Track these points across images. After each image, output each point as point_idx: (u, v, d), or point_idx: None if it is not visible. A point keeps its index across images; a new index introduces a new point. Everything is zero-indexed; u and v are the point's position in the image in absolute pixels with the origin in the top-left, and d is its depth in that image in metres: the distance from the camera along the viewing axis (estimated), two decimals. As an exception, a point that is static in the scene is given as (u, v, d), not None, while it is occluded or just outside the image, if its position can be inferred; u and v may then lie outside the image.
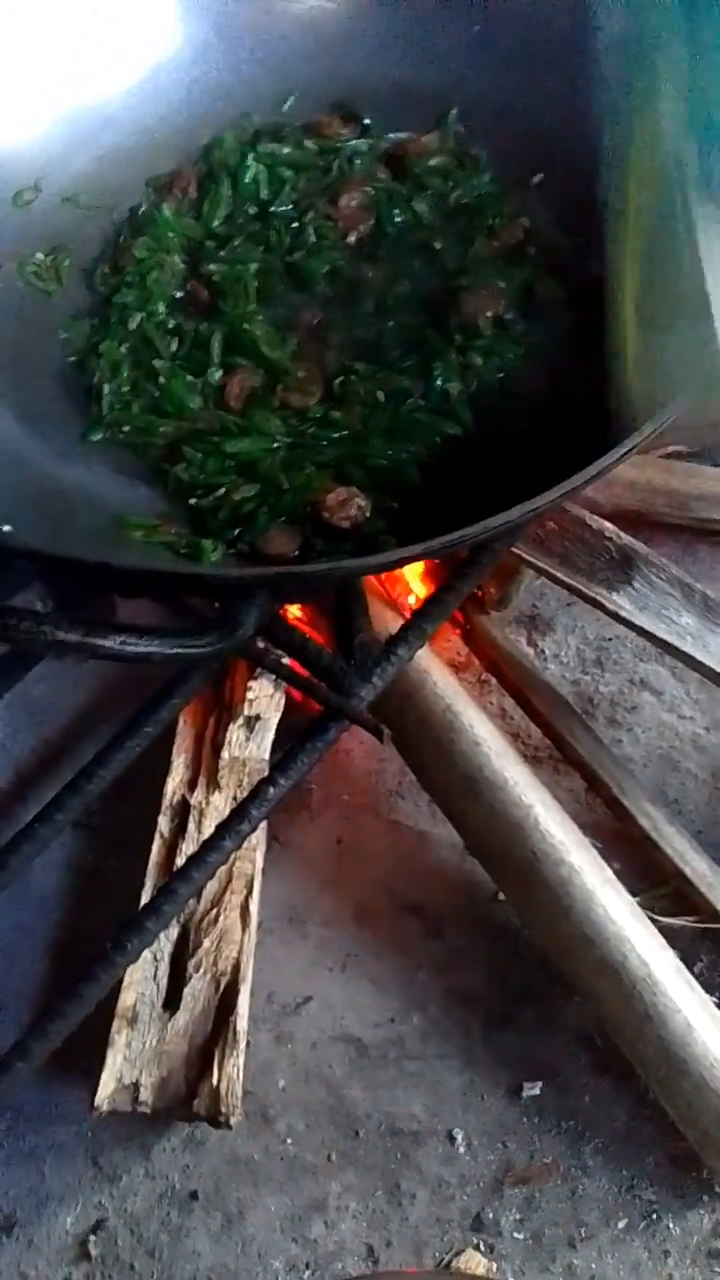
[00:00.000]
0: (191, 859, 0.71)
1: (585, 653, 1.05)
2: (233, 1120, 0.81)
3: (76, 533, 0.71)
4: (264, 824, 0.92)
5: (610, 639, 1.05)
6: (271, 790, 0.71)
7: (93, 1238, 0.84)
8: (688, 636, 0.93)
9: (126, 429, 0.82)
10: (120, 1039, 0.82)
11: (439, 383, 0.80)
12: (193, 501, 0.76)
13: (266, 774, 0.73)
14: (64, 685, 1.04)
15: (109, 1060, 0.82)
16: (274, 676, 0.92)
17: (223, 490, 0.77)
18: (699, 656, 0.92)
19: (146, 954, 0.84)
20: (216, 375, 0.83)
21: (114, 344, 0.85)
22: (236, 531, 0.74)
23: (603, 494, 1.03)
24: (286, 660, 0.75)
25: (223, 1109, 0.80)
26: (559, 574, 0.95)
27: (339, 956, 0.93)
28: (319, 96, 0.94)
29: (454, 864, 0.95)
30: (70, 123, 0.91)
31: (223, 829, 0.71)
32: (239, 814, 0.71)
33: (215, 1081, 0.80)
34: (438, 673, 0.93)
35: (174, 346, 0.85)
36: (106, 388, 0.83)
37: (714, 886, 0.90)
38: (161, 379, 0.83)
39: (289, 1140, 0.87)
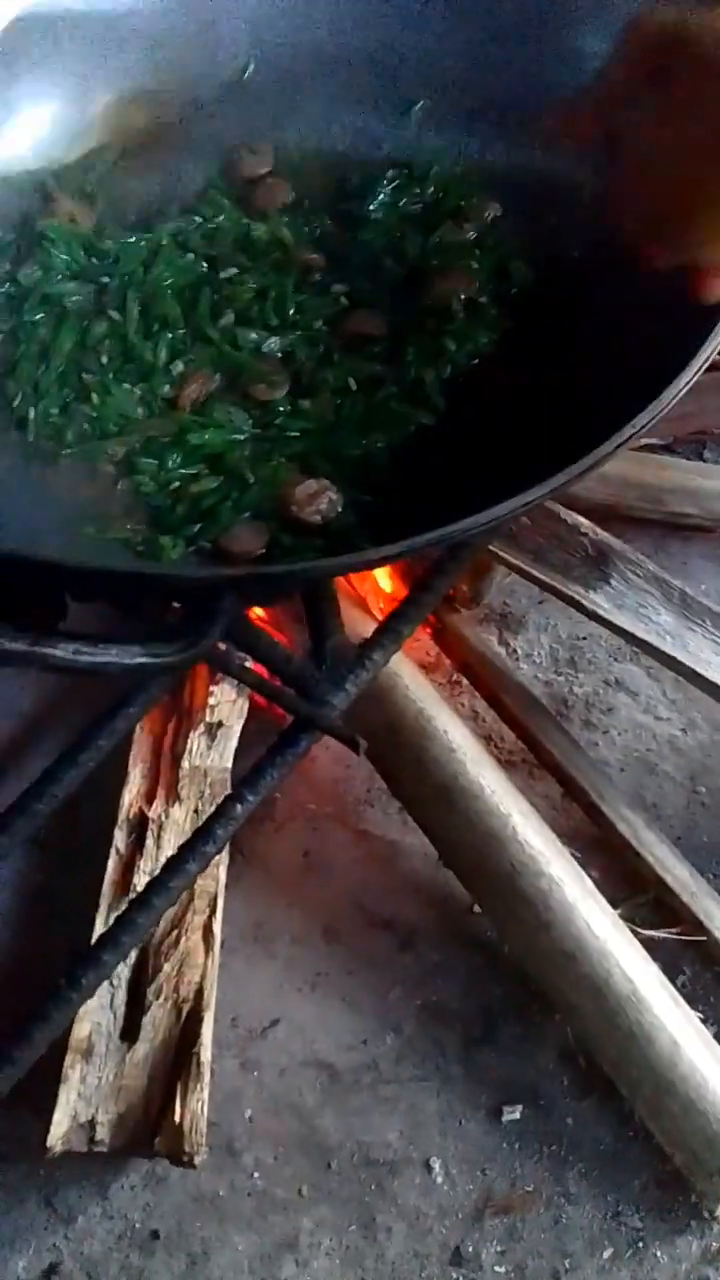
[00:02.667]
0: (152, 884, 0.65)
1: (558, 652, 1.01)
2: (197, 1159, 0.75)
3: (19, 529, 0.65)
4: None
5: (584, 637, 1.02)
6: (239, 808, 0.66)
7: (47, 1285, 0.78)
8: (667, 635, 0.89)
9: (66, 452, 0.73)
10: (74, 1073, 0.77)
11: (411, 369, 0.76)
12: (149, 495, 0.70)
13: (231, 788, 0.68)
14: (7, 690, 0.98)
15: (62, 1097, 0.76)
16: (236, 680, 0.88)
17: (180, 484, 0.71)
18: (679, 656, 0.89)
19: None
20: (165, 388, 0.74)
21: (30, 364, 0.74)
22: (197, 528, 0.69)
23: (575, 488, 1.00)
24: (252, 665, 0.70)
25: (186, 1147, 0.75)
26: (534, 571, 0.91)
27: (308, 975, 0.88)
28: (281, 68, 0.88)
29: (427, 875, 0.91)
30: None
31: (186, 850, 0.66)
32: (204, 834, 0.66)
33: (178, 1118, 0.75)
34: (409, 675, 0.88)
35: (105, 359, 0.75)
36: (31, 413, 0.73)
37: (696, 896, 0.86)
38: (96, 397, 0.74)
39: (257, 1174, 0.82)
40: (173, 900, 0.68)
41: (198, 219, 0.81)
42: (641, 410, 0.60)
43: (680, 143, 0.53)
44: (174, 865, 0.65)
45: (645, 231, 0.66)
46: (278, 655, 0.67)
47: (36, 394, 0.73)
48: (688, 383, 0.62)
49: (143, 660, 0.48)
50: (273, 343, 0.77)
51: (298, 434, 0.73)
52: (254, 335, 0.77)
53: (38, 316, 0.75)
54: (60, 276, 0.78)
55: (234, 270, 0.79)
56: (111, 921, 0.66)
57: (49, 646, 0.46)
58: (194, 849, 0.65)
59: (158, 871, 0.67)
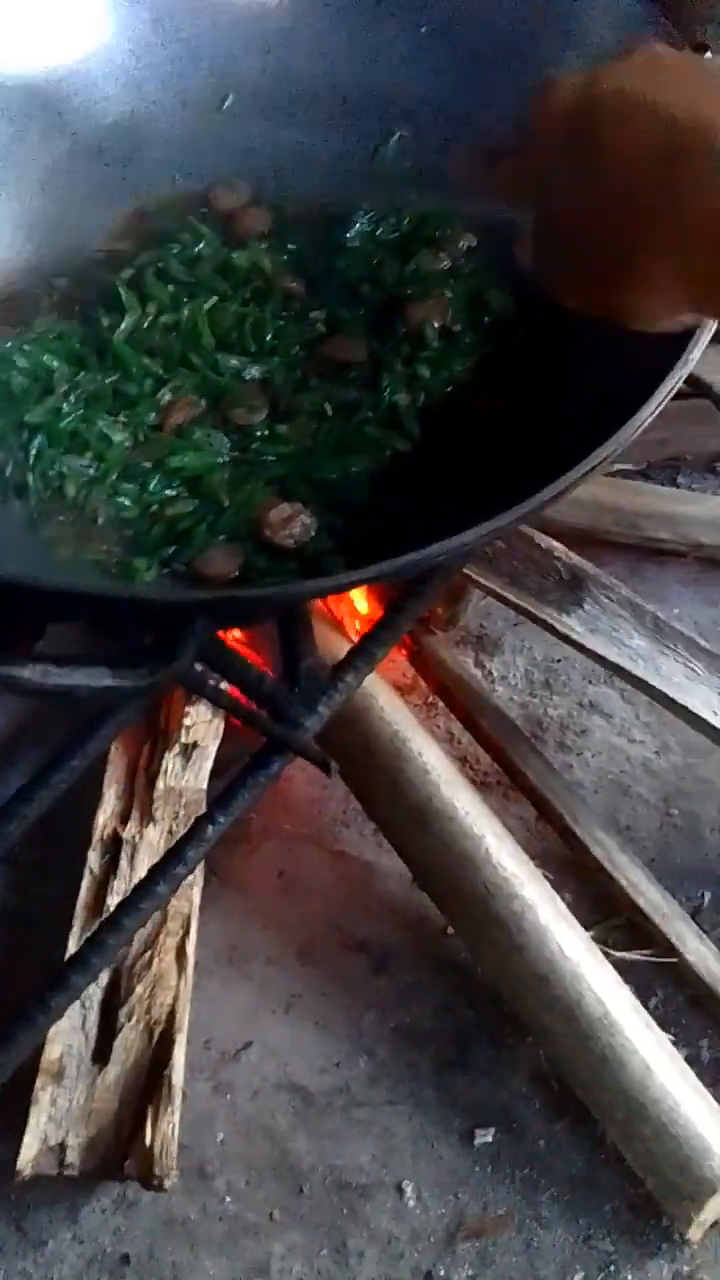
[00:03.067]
0: (122, 905, 0.65)
1: (534, 674, 1.02)
2: (168, 1182, 0.75)
3: None
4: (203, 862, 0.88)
5: (559, 660, 1.02)
6: (210, 829, 0.66)
7: (15, 1311, 0.77)
8: (639, 660, 0.90)
9: (68, 507, 0.70)
10: (45, 1096, 0.76)
11: (387, 395, 0.77)
12: (129, 519, 0.70)
13: (205, 809, 0.68)
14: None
15: (32, 1120, 0.76)
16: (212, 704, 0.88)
17: (158, 506, 0.71)
18: (651, 680, 0.89)
19: (74, 1003, 0.78)
20: (151, 416, 0.74)
21: (13, 432, 0.71)
22: (172, 550, 0.69)
23: (550, 512, 1.01)
24: (226, 687, 0.70)
25: (157, 1170, 0.74)
26: (508, 594, 0.92)
27: (282, 998, 0.88)
28: (262, 95, 0.90)
29: (402, 897, 0.91)
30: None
31: (157, 871, 0.66)
32: (175, 855, 0.66)
33: (149, 1141, 0.75)
34: (384, 697, 0.89)
35: (89, 401, 0.74)
36: (30, 478, 0.70)
37: (668, 918, 0.87)
38: (92, 444, 0.72)
39: (228, 1198, 0.81)
40: (142, 921, 0.68)
41: (176, 248, 0.82)
42: (608, 439, 0.60)
43: (587, 210, 0.53)
44: (144, 887, 0.65)
45: (562, 288, 0.66)
46: (251, 677, 0.67)
47: (29, 458, 0.71)
48: (652, 412, 0.63)
49: (110, 684, 0.49)
50: (253, 370, 0.78)
51: (275, 458, 0.73)
52: (234, 361, 0.78)
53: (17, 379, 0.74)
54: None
55: (214, 298, 0.80)
56: (83, 943, 0.66)
57: (15, 667, 0.46)
58: (165, 870, 0.65)
59: (130, 892, 0.67)
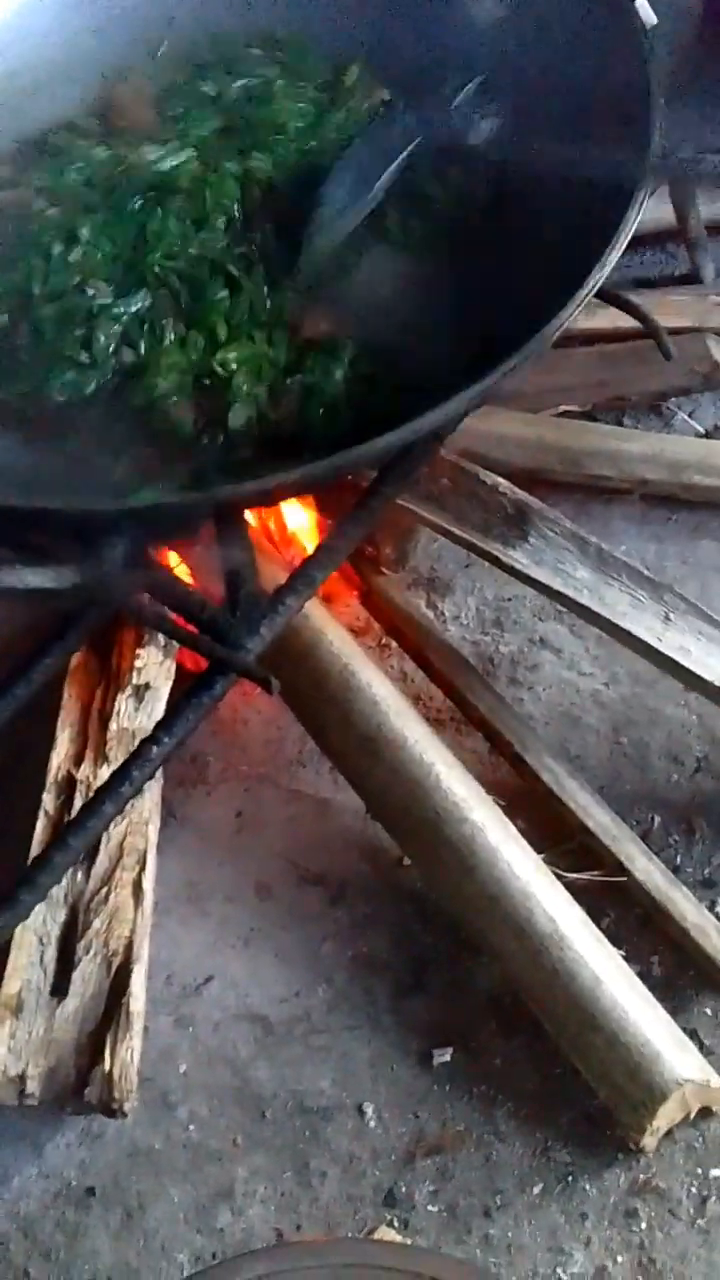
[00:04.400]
0: (69, 824, 0.66)
1: (485, 613, 1.03)
2: (127, 1107, 0.76)
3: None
4: (158, 798, 0.89)
5: (509, 599, 1.04)
6: (155, 749, 0.67)
7: (-19, 1245, 0.78)
8: (584, 590, 0.91)
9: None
10: (4, 1029, 0.77)
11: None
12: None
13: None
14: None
15: (-8, 1052, 0.76)
16: (163, 643, 0.89)
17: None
18: (596, 609, 0.91)
19: (31, 937, 0.79)
20: None
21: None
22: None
23: (496, 451, 1.02)
24: (170, 615, 0.71)
25: (116, 1095, 0.75)
26: (454, 529, 0.93)
27: (241, 932, 0.89)
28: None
29: (357, 830, 0.92)
30: None
31: (102, 792, 0.66)
32: (120, 775, 0.67)
33: (107, 1067, 0.76)
34: (333, 632, 0.90)
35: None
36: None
37: (618, 839, 0.88)
38: None
39: (192, 1127, 0.82)
40: (89, 840, 0.69)
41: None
42: (525, 343, 0.61)
43: None
44: (90, 807, 0.66)
45: None
46: (193, 602, 0.68)
47: None
48: (562, 324, 0.63)
49: (35, 584, 0.49)
50: None
51: None
52: None
53: None
54: None
55: None
56: (30, 862, 0.67)
57: (-58, 567, 0.47)
58: (110, 790, 0.66)
59: (76, 814, 0.68)
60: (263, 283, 0.77)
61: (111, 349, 0.76)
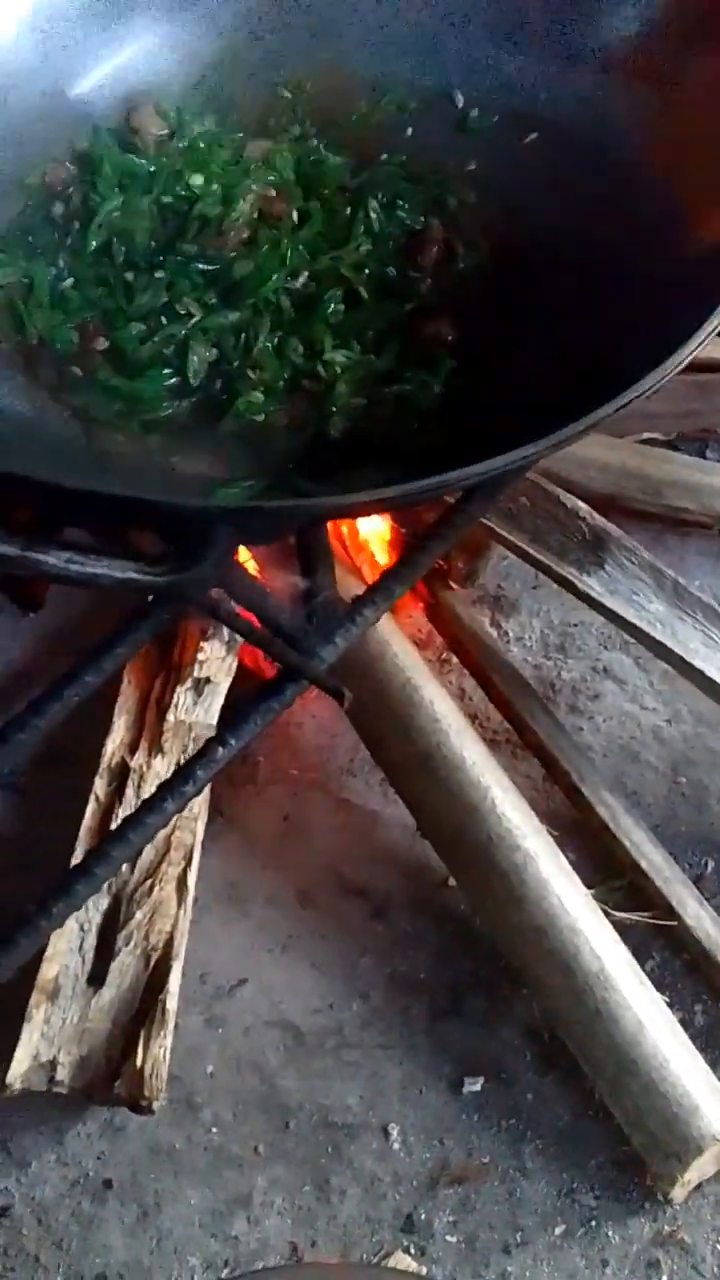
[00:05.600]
0: (128, 820, 0.66)
1: (549, 637, 1.02)
2: (156, 1105, 0.75)
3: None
4: (207, 795, 0.88)
5: (575, 625, 1.02)
6: (220, 751, 0.66)
7: (-4, 1226, 0.78)
8: (657, 623, 0.90)
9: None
10: (39, 1013, 0.77)
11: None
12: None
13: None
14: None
15: (25, 1035, 0.76)
16: (227, 638, 0.88)
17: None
18: (668, 643, 0.89)
19: (72, 924, 0.79)
20: None
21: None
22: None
23: (577, 474, 1.01)
24: (242, 614, 0.70)
25: (146, 1092, 0.75)
26: (530, 550, 0.92)
27: (279, 938, 0.88)
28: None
29: (405, 846, 0.91)
30: None
31: (164, 789, 0.66)
32: (183, 774, 0.66)
33: (140, 1062, 0.75)
34: (399, 644, 0.89)
35: None
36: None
37: (670, 881, 0.87)
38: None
39: (214, 1130, 0.82)
40: (148, 837, 0.68)
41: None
42: (644, 376, 0.60)
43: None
44: (152, 803, 0.66)
45: (699, 195, 0.66)
46: (269, 605, 0.68)
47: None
48: (690, 353, 0.62)
49: (133, 575, 0.49)
50: None
51: None
52: None
53: None
54: None
55: None
56: (86, 854, 0.66)
57: (41, 553, 0.47)
58: (173, 788, 0.66)
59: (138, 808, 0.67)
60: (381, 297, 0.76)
61: (204, 363, 0.75)
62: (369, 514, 0.83)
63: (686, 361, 0.62)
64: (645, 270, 0.73)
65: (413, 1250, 0.77)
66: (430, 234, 0.81)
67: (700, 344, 0.62)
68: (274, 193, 0.80)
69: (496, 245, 0.81)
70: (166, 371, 0.74)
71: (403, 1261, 0.76)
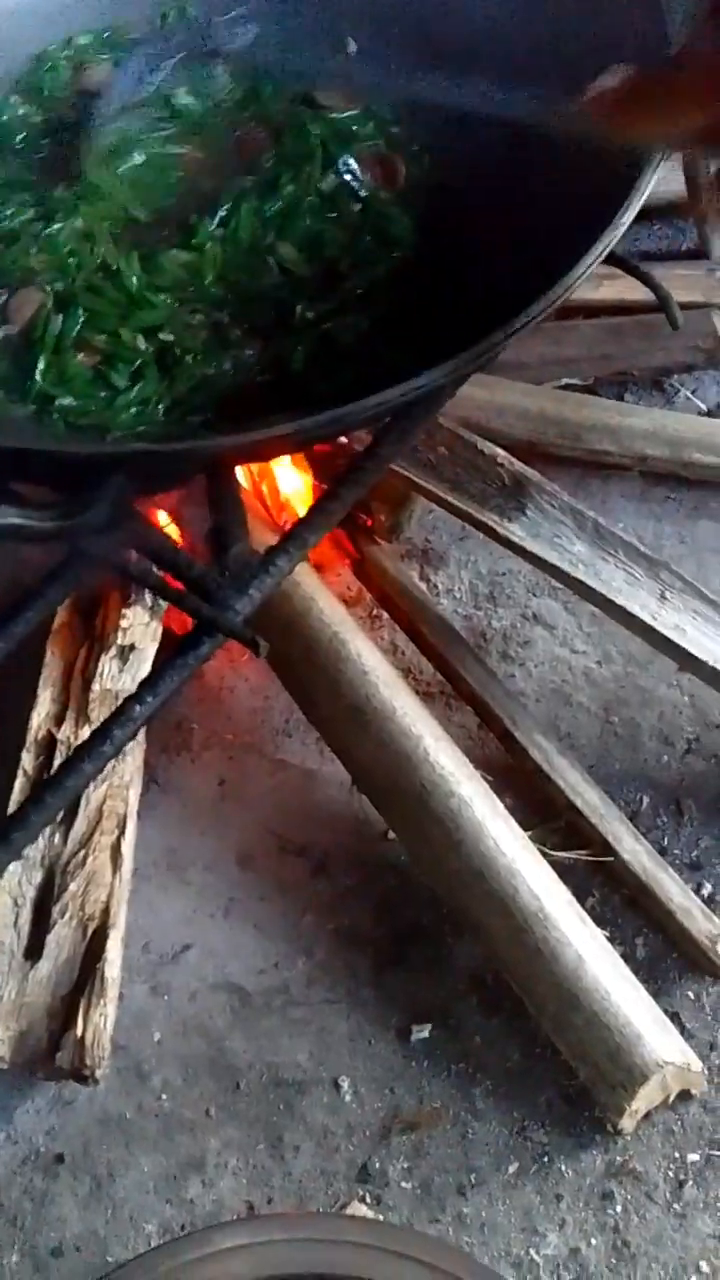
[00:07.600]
0: (46, 782, 0.64)
1: (478, 587, 1.02)
2: (99, 1074, 0.75)
3: None
4: (140, 763, 0.87)
5: (503, 574, 1.02)
6: (138, 708, 0.65)
7: (-54, 1208, 0.77)
8: (580, 564, 0.90)
9: None
10: (-25, 991, 0.76)
11: None
12: None
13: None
14: None
15: (-38, 1014, 0.75)
16: (150, 603, 0.87)
17: None
18: (591, 584, 0.89)
19: (6, 898, 0.78)
20: None
21: None
22: None
23: (495, 422, 1.00)
24: (157, 572, 0.69)
25: (88, 1061, 0.74)
26: (451, 499, 0.91)
27: (220, 902, 0.88)
28: None
29: (342, 803, 0.91)
30: None
31: (82, 750, 0.65)
32: (101, 734, 0.65)
33: (80, 1032, 0.74)
34: (324, 600, 0.88)
35: None
36: None
37: (606, 819, 0.87)
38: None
39: (164, 1096, 0.81)
40: (68, 799, 0.67)
41: None
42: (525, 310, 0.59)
43: None
44: (70, 765, 0.64)
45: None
46: (181, 560, 0.66)
47: None
48: (569, 287, 0.61)
49: (14, 520, 0.48)
50: None
51: None
52: None
53: None
54: None
55: None
56: (2, 820, 0.65)
57: None
58: (91, 749, 0.64)
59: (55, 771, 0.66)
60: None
61: None
62: (271, 455, 0.82)
63: (564, 295, 0.61)
64: (550, 206, 0.73)
65: (369, 1199, 0.77)
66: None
67: (579, 277, 0.62)
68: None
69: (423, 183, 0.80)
70: None
71: (359, 1210, 0.76)
